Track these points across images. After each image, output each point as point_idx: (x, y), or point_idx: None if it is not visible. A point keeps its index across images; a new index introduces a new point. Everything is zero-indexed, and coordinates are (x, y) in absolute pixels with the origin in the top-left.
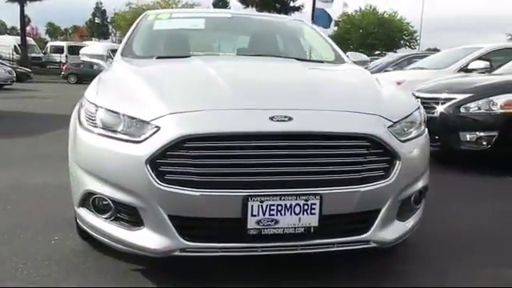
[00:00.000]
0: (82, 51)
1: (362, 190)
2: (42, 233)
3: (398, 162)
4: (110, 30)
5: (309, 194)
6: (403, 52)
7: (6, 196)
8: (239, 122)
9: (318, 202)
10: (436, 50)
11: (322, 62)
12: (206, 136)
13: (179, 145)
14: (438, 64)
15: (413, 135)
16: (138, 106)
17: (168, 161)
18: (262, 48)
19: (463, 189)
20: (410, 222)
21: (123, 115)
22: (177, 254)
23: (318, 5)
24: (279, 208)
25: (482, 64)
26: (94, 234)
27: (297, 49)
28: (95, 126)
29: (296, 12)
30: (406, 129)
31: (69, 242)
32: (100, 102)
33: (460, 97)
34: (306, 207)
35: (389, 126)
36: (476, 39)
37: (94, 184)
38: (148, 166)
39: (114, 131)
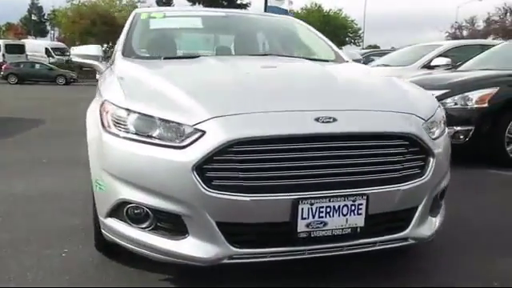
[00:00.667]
0: (73, 52)
1: (403, 188)
2: (46, 246)
3: (432, 160)
4: (49, 28)
5: (356, 195)
6: (349, 49)
7: None
8: (286, 124)
9: (364, 202)
10: (376, 47)
11: (327, 61)
12: (254, 139)
13: (226, 149)
14: (401, 61)
15: (439, 133)
16: (176, 109)
17: (214, 166)
18: (269, 48)
19: None
20: (438, 218)
21: (161, 120)
22: (225, 261)
23: (271, 2)
24: (328, 210)
25: (444, 61)
26: (128, 245)
27: (301, 48)
28: (127, 132)
29: (243, 10)
30: (433, 127)
31: (81, 254)
32: (132, 106)
33: (437, 93)
34: (353, 208)
35: (422, 125)
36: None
37: (130, 192)
38: (195, 172)
39: (149, 136)
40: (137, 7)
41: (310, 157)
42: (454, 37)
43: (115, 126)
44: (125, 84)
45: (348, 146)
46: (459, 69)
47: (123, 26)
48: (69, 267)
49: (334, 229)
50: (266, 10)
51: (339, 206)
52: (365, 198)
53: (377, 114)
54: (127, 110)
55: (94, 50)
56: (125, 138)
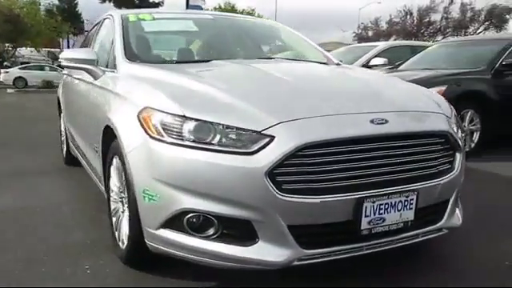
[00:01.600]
0: (63, 56)
1: (442, 182)
2: (63, 264)
3: (459, 155)
4: None
5: (409, 191)
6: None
7: None
8: (347, 126)
9: (415, 197)
10: None
11: (326, 63)
12: (321, 143)
13: (295, 153)
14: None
15: (456, 129)
16: (237, 115)
17: (284, 170)
18: (269, 51)
19: None
20: (460, 208)
21: (223, 126)
22: (295, 263)
23: (192, 1)
24: (386, 206)
25: (382, 61)
26: (186, 255)
27: (297, 51)
28: (183, 139)
29: (156, 8)
30: (453, 124)
31: (107, 269)
32: (189, 112)
33: None
34: (406, 203)
35: (449, 123)
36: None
37: (192, 201)
38: (267, 177)
39: (209, 143)
40: (39, 4)
41: (369, 157)
42: (360, 37)
43: (167, 133)
44: (165, 90)
45: (399, 145)
46: (400, 68)
47: (28, 25)
48: (106, 283)
49: (390, 224)
50: (187, 8)
51: (395, 202)
52: (415, 193)
53: (417, 115)
54: (183, 116)
55: (87, 53)
56: (181, 145)
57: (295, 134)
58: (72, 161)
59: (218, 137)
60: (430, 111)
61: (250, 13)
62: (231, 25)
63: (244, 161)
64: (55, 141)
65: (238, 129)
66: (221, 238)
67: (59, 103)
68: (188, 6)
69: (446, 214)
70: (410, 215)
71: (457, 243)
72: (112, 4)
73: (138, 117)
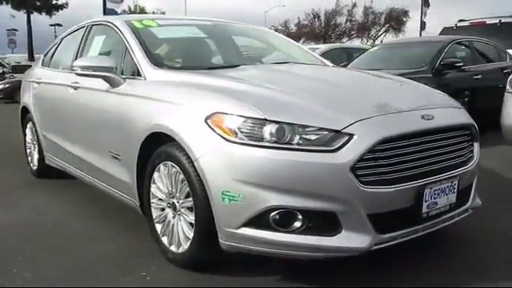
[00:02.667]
0: (78, 64)
1: (469, 168)
2: (115, 273)
3: (476, 144)
4: None
5: (453, 177)
6: None
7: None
8: (408, 122)
9: (457, 182)
10: None
11: (327, 65)
12: (392, 137)
13: (371, 148)
14: None
15: None
16: (313, 116)
17: (362, 164)
18: (282, 55)
19: None
20: None
21: (304, 126)
22: (373, 248)
23: (109, 5)
24: (438, 191)
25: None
26: (269, 250)
27: (298, 54)
28: (262, 140)
29: (60, 10)
30: None
31: (165, 274)
32: (268, 115)
33: None
34: (451, 188)
35: None
36: None
37: (278, 198)
38: (351, 171)
39: (290, 143)
40: None
41: (424, 148)
42: None
43: (247, 136)
44: (231, 94)
45: (443, 137)
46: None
47: None
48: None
49: (440, 207)
50: (104, 12)
51: (445, 187)
52: (458, 178)
53: (448, 110)
54: (264, 119)
55: (106, 61)
56: (263, 146)
57: (371, 131)
58: (47, 173)
59: (298, 137)
60: (455, 106)
61: (163, 13)
62: (234, 31)
63: (328, 157)
64: (9, 153)
65: (319, 129)
66: (306, 230)
67: (25, 113)
68: (105, 10)
69: (471, 197)
70: (453, 198)
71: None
72: (10, 6)
73: (207, 122)
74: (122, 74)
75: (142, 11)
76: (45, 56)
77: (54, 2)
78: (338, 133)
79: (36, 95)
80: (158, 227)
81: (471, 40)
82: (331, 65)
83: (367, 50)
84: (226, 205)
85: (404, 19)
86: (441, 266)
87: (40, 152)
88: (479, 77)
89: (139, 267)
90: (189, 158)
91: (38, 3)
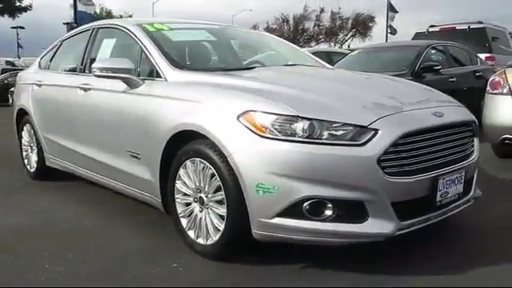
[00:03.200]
0: (97, 65)
1: (473, 161)
2: (147, 266)
3: (476, 139)
4: None
5: (461, 168)
6: None
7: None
8: (423, 119)
9: (464, 173)
10: None
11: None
12: (411, 132)
13: (395, 142)
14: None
15: None
16: (342, 113)
17: (386, 157)
18: (284, 59)
19: None
20: None
21: (333, 123)
22: (396, 233)
23: (80, 7)
24: (449, 182)
25: None
26: (301, 238)
27: (299, 57)
28: (295, 135)
29: (24, 12)
30: None
31: (195, 265)
32: (300, 113)
33: None
34: (459, 178)
35: None
36: None
37: (311, 189)
38: (377, 163)
39: (320, 137)
40: None
41: (437, 143)
42: None
43: (280, 132)
44: (261, 94)
45: (451, 132)
46: None
47: None
48: (203, 276)
49: (451, 196)
50: (75, 15)
51: (454, 178)
52: (464, 170)
53: (454, 108)
54: (297, 117)
55: (125, 63)
56: (296, 141)
57: (393, 127)
58: (46, 174)
59: (327, 132)
60: (458, 105)
61: (130, 16)
62: (239, 35)
63: (356, 151)
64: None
65: (347, 125)
66: (336, 218)
67: (21, 115)
68: (76, 12)
69: (473, 187)
70: (460, 188)
71: None
72: None
73: (239, 119)
74: (139, 75)
75: (109, 14)
76: (42, 58)
77: (17, 4)
78: (364, 128)
79: (36, 97)
80: (184, 222)
81: (446, 45)
82: (330, 67)
83: (347, 54)
84: (261, 197)
85: (370, 24)
86: (453, 248)
87: (40, 154)
88: (454, 79)
89: (169, 260)
90: (220, 153)
91: (1, 5)
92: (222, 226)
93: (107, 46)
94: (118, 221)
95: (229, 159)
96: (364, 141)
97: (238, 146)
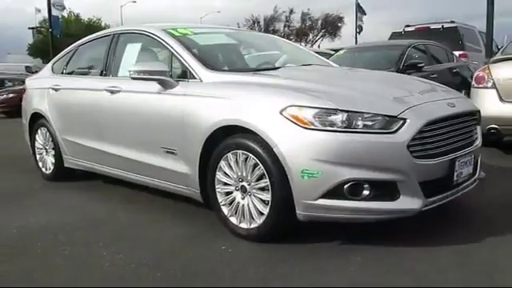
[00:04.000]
0: (134, 68)
1: (478, 146)
2: (198, 249)
3: (478, 127)
4: None
5: (471, 152)
6: None
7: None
8: (441, 109)
9: (473, 156)
10: None
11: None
12: (433, 121)
13: (420, 129)
14: None
15: None
16: (374, 105)
17: (413, 142)
18: (298, 59)
19: None
20: None
21: (368, 114)
22: (422, 209)
23: (54, 12)
24: (463, 163)
25: None
26: (341, 216)
27: (310, 57)
28: (334, 126)
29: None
30: None
31: (242, 248)
32: (339, 106)
33: None
34: (470, 161)
35: None
36: None
37: (351, 172)
38: (407, 148)
39: (356, 126)
40: None
41: (453, 129)
42: None
43: (321, 123)
44: (299, 90)
45: (462, 120)
46: None
47: None
48: (254, 257)
49: (464, 176)
50: (50, 20)
51: (466, 160)
52: (473, 153)
53: (462, 99)
54: (336, 109)
55: (161, 65)
56: (335, 131)
57: (418, 116)
58: (63, 175)
59: (362, 122)
60: (463, 97)
61: (98, 22)
62: (254, 38)
63: (389, 138)
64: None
65: (380, 115)
66: (373, 197)
67: (35, 119)
68: (51, 17)
69: (478, 169)
70: (470, 170)
71: None
72: None
73: (282, 114)
74: (171, 77)
75: (77, 18)
76: (54, 64)
77: None
78: (394, 118)
79: (54, 101)
80: (225, 209)
81: (426, 44)
82: (336, 65)
83: (332, 54)
84: (306, 181)
85: (339, 25)
86: (465, 223)
87: (57, 155)
88: (435, 76)
89: (216, 244)
90: (264, 145)
91: None
92: (266, 210)
93: (132, 50)
94: (152, 215)
95: (274, 149)
96: (395, 129)
97: (282, 138)
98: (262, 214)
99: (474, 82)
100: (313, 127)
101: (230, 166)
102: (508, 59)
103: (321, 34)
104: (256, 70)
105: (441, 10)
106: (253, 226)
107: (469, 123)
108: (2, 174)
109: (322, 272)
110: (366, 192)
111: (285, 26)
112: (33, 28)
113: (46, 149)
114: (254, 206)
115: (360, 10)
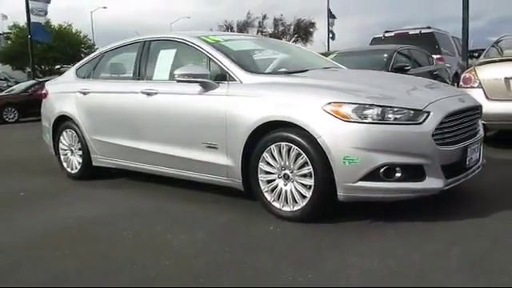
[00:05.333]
0: (179, 72)
1: (481, 136)
2: (248, 229)
3: (480, 120)
4: None
5: (478, 140)
6: None
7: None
8: (456, 103)
9: (479, 144)
10: None
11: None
12: (451, 113)
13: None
14: None
15: None
16: (402, 101)
17: (436, 132)
18: (322, 62)
19: None
20: None
21: (398, 108)
22: (444, 188)
23: (33, 18)
24: (473, 150)
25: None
26: (377, 196)
27: (326, 62)
28: (367, 118)
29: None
30: None
31: (287, 226)
32: (373, 102)
33: None
34: (477, 148)
35: None
36: None
37: (386, 157)
38: (432, 136)
39: (388, 118)
40: None
41: (464, 121)
42: None
43: (359, 116)
44: (336, 89)
45: (470, 113)
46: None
47: None
48: (301, 234)
49: (473, 161)
50: (29, 26)
51: (475, 148)
52: (479, 142)
53: (467, 96)
54: (372, 105)
55: (203, 69)
56: (371, 122)
57: (439, 110)
58: (90, 174)
59: (393, 115)
60: (467, 93)
61: (68, 28)
62: (275, 44)
63: (417, 128)
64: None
65: (408, 109)
66: (404, 179)
67: (60, 122)
68: (30, 24)
69: (481, 156)
70: (477, 156)
71: None
72: None
73: (324, 109)
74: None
75: (47, 24)
76: (78, 69)
77: None
78: (420, 111)
79: (83, 104)
80: (268, 196)
81: (409, 48)
82: (345, 68)
83: None
84: (347, 166)
85: (311, 30)
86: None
87: (85, 155)
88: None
89: (264, 225)
90: (308, 137)
91: None
92: (308, 194)
93: (166, 56)
94: (192, 206)
95: (318, 140)
96: (421, 120)
97: (325, 130)
98: (304, 197)
99: (461, 83)
100: (352, 120)
101: (273, 157)
102: (491, 62)
103: (293, 39)
104: (288, 73)
105: (406, 16)
106: (296, 208)
107: (474, 116)
108: (23, 176)
109: (366, 239)
110: (398, 174)
111: (258, 32)
112: (1, 34)
113: (71, 149)
114: (297, 191)
115: (330, 15)
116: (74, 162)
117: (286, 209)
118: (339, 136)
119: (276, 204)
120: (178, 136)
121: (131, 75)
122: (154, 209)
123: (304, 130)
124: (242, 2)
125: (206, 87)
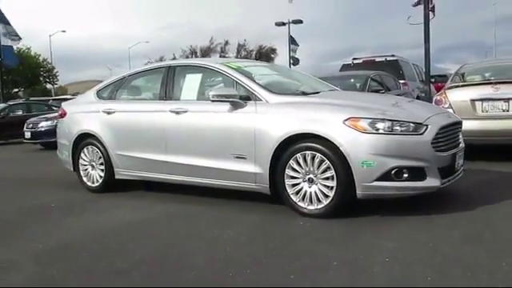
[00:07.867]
0: (214, 93)
1: (463, 146)
2: (279, 224)
3: (461, 132)
4: None
5: (463, 148)
6: None
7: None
8: (446, 118)
9: (463, 151)
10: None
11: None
12: (444, 126)
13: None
14: None
15: None
16: (407, 115)
17: (433, 141)
18: (324, 86)
19: None
20: None
21: (404, 121)
22: (440, 187)
23: (4, 42)
24: (460, 156)
25: None
26: (389, 193)
27: (328, 85)
28: (378, 130)
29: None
30: None
31: (312, 223)
32: (385, 117)
33: None
34: (462, 155)
35: None
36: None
37: (395, 161)
38: (431, 144)
39: (394, 130)
40: None
41: (452, 133)
42: None
43: (373, 128)
44: (353, 106)
45: (455, 127)
46: None
47: None
48: (327, 227)
49: (460, 165)
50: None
51: (461, 154)
52: (463, 150)
53: (450, 113)
54: (383, 119)
55: (233, 91)
56: (382, 133)
57: (435, 123)
58: (112, 187)
59: (400, 127)
60: (449, 111)
61: (27, 52)
62: (285, 70)
63: (419, 138)
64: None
65: (412, 122)
66: (409, 179)
67: (81, 139)
68: (1, 47)
69: (463, 162)
70: (462, 162)
71: None
72: None
73: (344, 123)
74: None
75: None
76: (99, 91)
77: None
78: (420, 124)
79: (108, 122)
80: (294, 197)
81: (380, 74)
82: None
83: None
84: (364, 169)
85: (272, 56)
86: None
87: (107, 169)
88: None
89: (294, 221)
90: (330, 146)
91: None
92: (331, 193)
93: (193, 80)
94: (222, 210)
95: (341, 149)
96: (422, 132)
97: (346, 140)
98: (327, 196)
99: (433, 104)
100: (367, 131)
101: (299, 164)
102: (459, 86)
103: None
104: (305, 94)
105: (354, 43)
106: (320, 206)
107: (458, 129)
108: (43, 190)
109: (384, 229)
110: (405, 175)
111: (220, 57)
112: None
113: (92, 165)
114: (321, 192)
115: (293, 42)
116: (95, 176)
117: (311, 207)
118: (358, 145)
119: (301, 204)
120: (207, 149)
121: (157, 96)
122: (187, 213)
123: (328, 140)
124: (199, 28)
125: (235, 106)
